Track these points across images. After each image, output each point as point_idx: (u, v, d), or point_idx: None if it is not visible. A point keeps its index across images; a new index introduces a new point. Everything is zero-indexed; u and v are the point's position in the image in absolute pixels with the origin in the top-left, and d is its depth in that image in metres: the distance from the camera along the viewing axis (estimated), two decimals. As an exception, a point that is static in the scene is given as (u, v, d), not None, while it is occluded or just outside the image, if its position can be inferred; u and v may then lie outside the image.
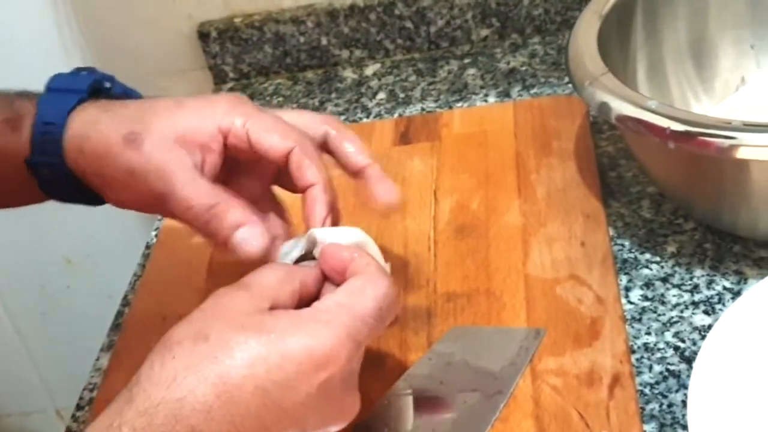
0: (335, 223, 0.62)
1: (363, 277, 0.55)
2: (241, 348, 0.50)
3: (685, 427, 0.60)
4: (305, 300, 0.55)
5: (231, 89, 1.09)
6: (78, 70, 0.68)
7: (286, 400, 0.51)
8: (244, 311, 0.52)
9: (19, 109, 0.65)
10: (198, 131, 0.61)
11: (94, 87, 0.66)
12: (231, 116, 0.61)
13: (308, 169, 0.60)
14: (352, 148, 0.66)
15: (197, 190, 0.61)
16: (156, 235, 0.90)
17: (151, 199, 0.61)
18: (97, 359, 0.78)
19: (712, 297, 0.69)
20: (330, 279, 0.57)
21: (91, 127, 0.62)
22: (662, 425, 0.61)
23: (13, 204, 0.71)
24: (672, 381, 0.64)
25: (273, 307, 0.53)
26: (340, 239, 0.59)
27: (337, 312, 0.53)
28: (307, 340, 0.51)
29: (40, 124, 0.63)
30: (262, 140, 0.61)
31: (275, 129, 0.61)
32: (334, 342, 0.51)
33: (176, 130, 0.61)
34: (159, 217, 0.92)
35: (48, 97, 0.65)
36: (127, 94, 0.68)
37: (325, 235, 0.59)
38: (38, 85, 0.74)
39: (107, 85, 0.67)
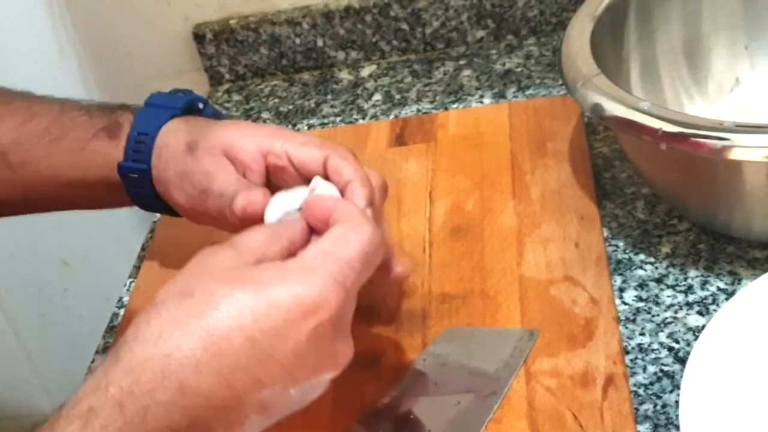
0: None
1: (346, 224, 0.55)
2: (226, 300, 0.50)
3: (678, 428, 0.60)
4: (295, 255, 0.55)
5: (227, 91, 1.09)
6: (175, 91, 0.73)
7: (275, 349, 0.50)
8: (229, 266, 0.52)
9: (119, 118, 0.71)
10: (241, 149, 0.65)
11: (187, 106, 0.71)
12: (271, 139, 0.65)
13: (345, 169, 0.61)
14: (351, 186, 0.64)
15: (231, 182, 0.64)
16: (151, 237, 0.90)
17: (196, 196, 0.66)
18: (92, 361, 0.79)
19: (706, 298, 0.69)
20: (316, 230, 0.57)
21: (172, 136, 0.68)
22: (656, 426, 0.61)
23: (94, 207, 0.77)
24: (666, 382, 0.64)
25: (260, 263, 0.53)
26: (328, 190, 0.60)
27: (322, 259, 0.53)
28: (294, 288, 0.51)
29: (135, 134, 0.69)
30: (300, 154, 0.63)
31: (312, 143, 0.64)
32: (322, 288, 0.51)
33: (223, 143, 0.65)
34: (155, 218, 0.93)
35: (146, 111, 0.71)
36: (216, 115, 0.74)
37: (315, 185, 0.60)
38: (33, 86, 0.74)
39: (200, 105, 0.73)
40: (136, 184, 0.70)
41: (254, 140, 0.65)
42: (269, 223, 0.60)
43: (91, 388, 0.49)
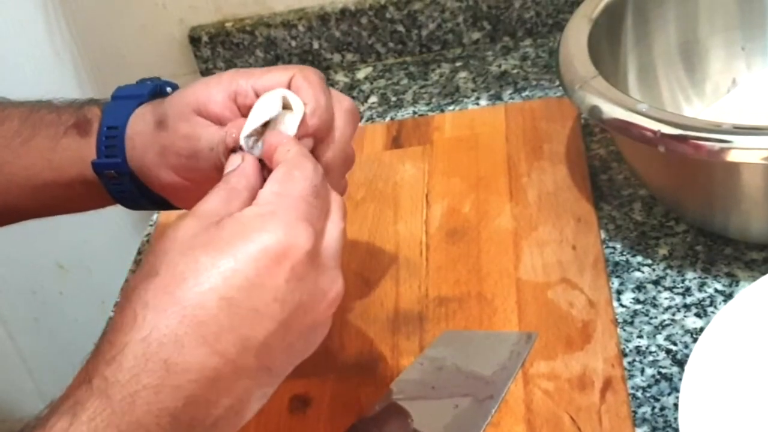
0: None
1: (286, 164, 0.54)
2: (190, 269, 0.49)
3: (677, 430, 0.60)
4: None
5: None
6: (143, 80, 0.71)
7: (255, 301, 0.48)
8: (190, 235, 0.51)
9: (87, 114, 0.69)
10: (210, 101, 0.62)
11: (155, 92, 0.69)
12: (235, 81, 0.62)
13: (304, 92, 0.59)
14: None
15: (214, 133, 0.61)
16: (147, 241, 0.90)
17: (185, 164, 0.63)
18: (88, 366, 0.78)
19: (703, 299, 0.69)
20: (269, 167, 0.56)
21: (140, 121, 0.66)
22: (654, 429, 0.61)
23: (76, 209, 0.74)
24: (664, 384, 0.64)
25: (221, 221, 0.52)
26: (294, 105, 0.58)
27: (277, 201, 0.51)
28: (258, 237, 0.49)
29: (104, 128, 0.67)
30: (266, 82, 0.61)
31: (276, 69, 0.62)
32: (286, 229, 0.50)
33: (192, 104, 0.63)
34: (151, 222, 0.92)
35: (113, 104, 0.68)
36: None
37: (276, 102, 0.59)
38: (29, 91, 0.74)
39: (168, 90, 0.70)
40: (114, 181, 0.68)
41: (219, 88, 0.62)
42: (246, 134, 0.58)
43: (76, 383, 0.48)
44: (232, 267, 0.48)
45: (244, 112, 0.61)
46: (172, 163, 0.64)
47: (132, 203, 0.70)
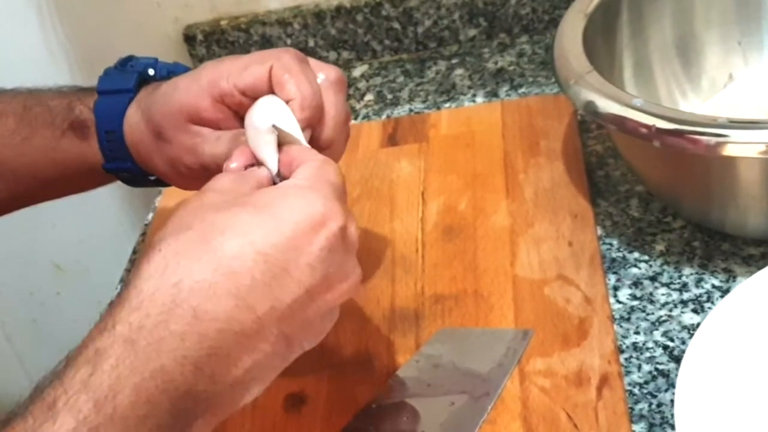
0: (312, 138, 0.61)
1: (317, 158, 0.55)
2: (229, 222, 0.49)
3: (674, 426, 0.59)
4: None
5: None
6: (123, 61, 0.71)
7: (289, 262, 0.49)
8: (221, 200, 0.52)
9: (80, 116, 0.69)
10: (199, 109, 0.63)
11: (140, 81, 0.69)
12: (217, 83, 0.62)
13: (286, 84, 0.59)
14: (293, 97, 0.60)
15: (215, 143, 0.63)
16: (143, 240, 0.90)
17: (195, 170, 0.64)
18: (84, 366, 0.78)
19: (701, 295, 0.69)
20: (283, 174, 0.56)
21: (136, 130, 0.67)
22: (651, 425, 0.61)
23: (78, 192, 0.76)
24: (661, 380, 0.64)
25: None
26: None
27: (314, 180, 0.53)
28: (298, 203, 0.50)
29: (103, 133, 0.68)
30: (247, 80, 0.61)
31: (252, 61, 0.61)
32: (325, 201, 0.51)
33: (181, 112, 0.63)
34: (146, 221, 0.92)
35: (102, 102, 0.69)
36: (172, 72, 0.70)
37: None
38: (22, 88, 0.74)
39: (151, 73, 0.70)
40: (131, 179, 0.71)
41: (203, 94, 0.62)
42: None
43: (97, 331, 0.47)
44: (273, 226, 0.49)
45: (235, 109, 0.62)
46: (182, 171, 0.66)
47: (139, 185, 0.72)
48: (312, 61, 0.62)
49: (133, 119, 0.67)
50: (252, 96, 0.61)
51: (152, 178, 0.70)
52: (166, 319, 0.47)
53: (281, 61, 0.60)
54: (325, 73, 0.62)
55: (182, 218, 0.51)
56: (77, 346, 0.47)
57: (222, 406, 0.49)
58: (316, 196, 0.51)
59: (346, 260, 0.53)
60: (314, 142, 0.60)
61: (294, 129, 0.58)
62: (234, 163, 0.58)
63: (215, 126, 0.63)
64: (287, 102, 0.59)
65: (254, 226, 0.49)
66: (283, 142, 0.57)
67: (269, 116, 0.58)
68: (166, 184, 0.71)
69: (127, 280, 0.49)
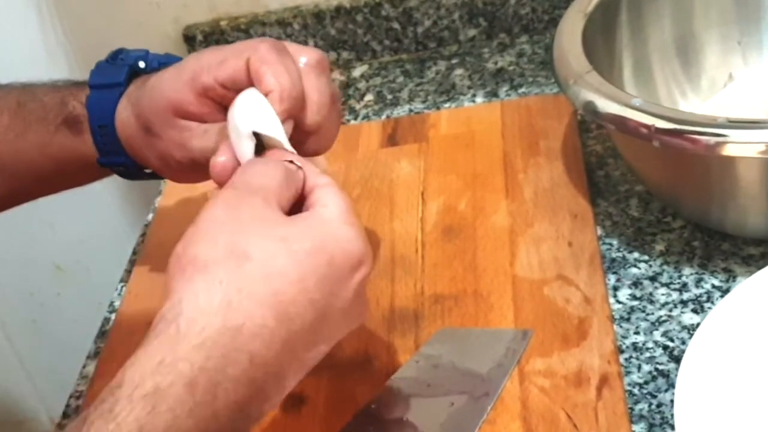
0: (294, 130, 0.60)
1: (329, 186, 0.54)
2: (291, 261, 0.49)
3: (674, 427, 0.59)
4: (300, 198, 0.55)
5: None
6: (113, 54, 0.70)
7: (329, 308, 0.50)
8: (270, 219, 0.51)
9: (72, 111, 0.69)
10: (184, 103, 0.63)
11: (131, 73, 0.69)
12: (198, 78, 0.62)
13: (263, 76, 0.58)
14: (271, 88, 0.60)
15: (202, 137, 0.63)
16: (142, 241, 0.90)
17: (185, 164, 0.65)
18: (84, 366, 0.78)
19: (701, 295, 0.69)
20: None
21: (127, 125, 0.67)
22: (651, 425, 0.61)
23: (75, 186, 0.76)
24: (661, 381, 0.63)
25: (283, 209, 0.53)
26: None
27: (349, 212, 0.53)
28: (344, 245, 0.51)
29: (96, 128, 0.68)
30: (227, 73, 0.61)
31: (230, 55, 0.61)
32: (362, 241, 0.52)
33: (167, 107, 0.63)
34: (146, 222, 0.92)
35: (93, 97, 0.68)
36: (163, 63, 0.69)
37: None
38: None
39: (141, 65, 0.69)
40: (127, 173, 0.71)
41: (186, 89, 0.62)
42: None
43: (155, 364, 0.46)
44: (324, 272, 0.50)
45: (219, 101, 0.62)
46: (173, 165, 0.66)
47: (135, 179, 0.72)
48: (292, 46, 0.61)
49: (124, 114, 0.67)
50: (233, 88, 0.60)
51: (148, 171, 0.70)
52: (225, 365, 0.46)
53: (258, 53, 0.59)
54: (305, 56, 0.61)
55: (236, 235, 0.50)
56: (131, 375, 0.46)
57: None
58: (356, 235, 0.52)
59: (364, 299, 0.54)
60: (299, 128, 0.59)
61: (274, 130, 0.57)
62: (222, 157, 0.58)
63: (202, 119, 0.63)
64: (267, 94, 0.58)
65: (311, 272, 0.49)
66: (266, 144, 0.57)
67: (248, 121, 0.57)
68: (162, 177, 0.71)
69: (175, 298, 0.48)
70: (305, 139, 0.60)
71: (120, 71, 0.68)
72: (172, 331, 0.47)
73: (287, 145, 0.57)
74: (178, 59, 0.68)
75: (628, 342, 0.66)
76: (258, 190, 0.52)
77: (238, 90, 0.60)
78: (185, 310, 0.47)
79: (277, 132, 0.57)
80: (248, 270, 0.48)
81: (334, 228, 0.51)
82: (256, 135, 0.57)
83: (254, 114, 0.58)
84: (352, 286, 0.51)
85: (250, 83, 0.59)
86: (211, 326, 0.47)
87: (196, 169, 0.64)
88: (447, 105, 0.97)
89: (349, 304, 0.51)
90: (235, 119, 0.58)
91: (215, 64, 0.61)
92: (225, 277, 0.48)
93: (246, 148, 0.57)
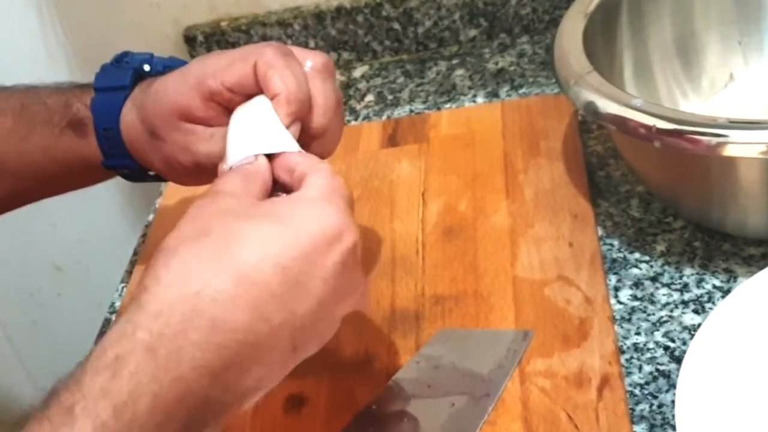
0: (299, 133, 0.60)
1: (326, 169, 0.55)
2: (251, 232, 0.49)
3: (675, 427, 0.59)
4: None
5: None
6: (118, 57, 0.71)
7: (305, 275, 0.50)
8: (236, 206, 0.52)
9: (77, 113, 0.70)
10: (190, 107, 0.63)
11: (135, 77, 0.69)
12: (205, 82, 0.62)
13: (270, 80, 0.59)
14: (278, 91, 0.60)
15: (208, 142, 0.63)
16: (143, 242, 0.90)
17: (190, 168, 0.65)
18: (84, 367, 0.78)
19: (702, 296, 0.69)
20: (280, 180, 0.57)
21: (132, 128, 0.67)
22: (652, 426, 0.61)
23: (78, 188, 0.76)
24: (662, 381, 0.63)
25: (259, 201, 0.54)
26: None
27: (329, 193, 0.53)
28: (316, 216, 0.51)
29: (101, 131, 0.68)
30: (234, 77, 0.61)
31: (236, 59, 0.61)
32: (342, 216, 0.52)
33: (173, 111, 0.63)
34: (147, 223, 0.92)
35: (98, 100, 0.69)
36: (168, 66, 0.70)
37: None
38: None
39: (146, 68, 0.70)
40: (131, 175, 0.71)
41: (193, 93, 0.63)
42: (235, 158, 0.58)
43: (117, 336, 0.47)
44: (291, 239, 0.50)
45: (225, 105, 0.62)
46: (177, 169, 0.66)
47: (139, 181, 0.73)
48: (297, 49, 0.62)
49: (129, 117, 0.67)
50: (240, 92, 0.61)
51: (151, 173, 0.70)
52: (186, 329, 0.47)
53: (264, 57, 0.60)
54: (311, 60, 0.61)
55: (199, 222, 0.51)
56: (94, 351, 0.47)
57: (229, 414, 0.50)
58: (332, 209, 0.52)
59: (355, 275, 0.53)
60: (305, 131, 0.60)
61: (280, 144, 0.57)
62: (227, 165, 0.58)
63: (207, 123, 0.63)
64: (273, 97, 0.58)
65: (274, 238, 0.50)
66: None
67: (253, 144, 0.57)
68: (165, 180, 0.71)
69: (142, 283, 0.49)
70: (310, 142, 0.61)
71: (125, 74, 0.69)
72: (132, 308, 0.48)
73: (294, 148, 0.57)
74: (182, 63, 0.69)
75: (629, 342, 0.66)
76: (221, 190, 0.54)
77: (244, 94, 0.61)
78: (148, 286, 0.48)
79: (283, 143, 0.57)
80: (206, 243, 0.49)
81: (307, 204, 0.52)
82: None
83: (258, 132, 0.58)
84: (333, 257, 0.51)
85: (257, 87, 0.60)
86: (169, 295, 0.47)
87: (200, 172, 0.64)
88: (447, 105, 0.97)
89: (333, 274, 0.51)
90: (239, 141, 0.58)
91: (222, 68, 0.61)
92: (183, 252, 0.49)
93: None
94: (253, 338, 0.48)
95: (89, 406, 0.45)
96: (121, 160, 0.69)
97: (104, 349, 0.46)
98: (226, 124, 0.62)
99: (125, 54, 0.71)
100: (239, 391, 0.49)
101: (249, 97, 0.61)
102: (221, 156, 0.59)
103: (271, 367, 0.50)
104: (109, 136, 0.68)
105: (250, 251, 0.49)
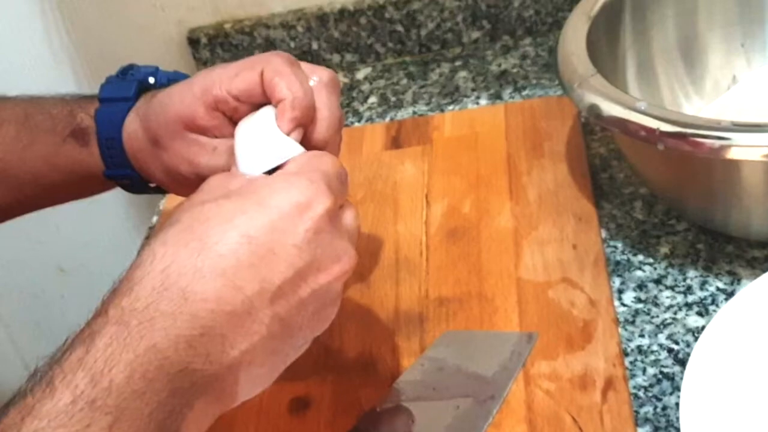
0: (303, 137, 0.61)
1: (315, 151, 0.57)
2: (215, 211, 0.51)
3: (679, 430, 0.59)
4: None
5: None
6: (123, 69, 0.72)
7: (274, 242, 0.50)
8: (207, 195, 0.54)
9: (80, 123, 0.70)
10: (194, 116, 0.63)
11: (140, 89, 0.70)
12: (210, 90, 0.63)
13: (276, 86, 0.60)
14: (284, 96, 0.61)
15: (211, 154, 0.64)
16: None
17: (193, 180, 0.64)
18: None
19: (705, 298, 0.69)
20: None
21: (134, 139, 0.68)
22: (656, 428, 0.61)
23: (80, 198, 0.77)
24: (666, 383, 0.63)
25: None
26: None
27: (305, 166, 0.55)
28: (283, 187, 0.52)
29: (103, 140, 0.69)
30: (240, 86, 0.62)
31: (243, 68, 0.62)
32: (309, 185, 0.52)
33: (177, 120, 0.64)
34: (150, 224, 0.92)
35: (102, 110, 0.70)
36: (172, 80, 0.70)
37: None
38: (25, 92, 0.74)
39: (151, 81, 0.71)
40: (131, 186, 0.72)
41: (198, 102, 0.63)
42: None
43: (92, 318, 0.48)
44: (255, 209, 0.51)
45: (230, 115, 0.63)
46: (179, 180, 0.67)
47: (139, 192, 0.73)
48: (304, 64, 0.62)
49: (132, 127, 0.68)
50: (246, 101, 0.61)
51: (152, 185, 0.71)
52: (156, 301, 0.48)
53: (272, 65, 0.60)
54: (318, 75, 0.62)
55: (171, 216, 0.53)
56: (75, 333, 0.49)
57: (223, 390, 0.50)
58: (301, 181, 0.53)
59: (337, 242, 0.53)
60: (307, 143, 0.60)
61: (284, 154, 0.57)
62: None
63: (211, 132, 0.64)
64: (278, 103, 0.59)
65: (238, 212, 0.51)
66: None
67: (261, 159, 0.58)
68: (165, 192, 0.72)
69: (122, 273, 0.51)
70: None
71: (129, 86, 0.70)
72: (107, 294, 0.50)
73: (299, 150, 0.58)
74: (186, 76, 0.69)
75: (633, 345, 0.66)
76: (201, 188, 0.56)
77: (251, 102, 0.61)
78: (121, 274, 0.50)
79: (289, 150, 0.58)
80: (174, 228, 0.51)
81: (279, 179, 0.53)
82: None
83: (265, 146, 0.58)
84: (304, 224, 0.51)
85: (264, 96, 0.60)
86: (138, 275, 0.49)
87: (201, 184, 0.64)
88: (451, 107, 0.97)
89: (305, 240, 0.51)
90: (247, 155, 0.58)
91: (228, 77, 0.62)
92: (152, 240, 0.51)
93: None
94: (227, 306, 0.49)
95: (68, 378, 0.46)
96: (123, 171, 0.70)
97: (81, 330, 0.48)
98: (229, 134, 0.62)
99: (130, 66, 0.72)
100: (225, 362, 0.49)
101: (255, 106, 0.61)
102: (224, 170, 0.59)
103: (259, 339, 0.50)
104: (112, 146, 0.69)
105: (214, 227, 0.50)
